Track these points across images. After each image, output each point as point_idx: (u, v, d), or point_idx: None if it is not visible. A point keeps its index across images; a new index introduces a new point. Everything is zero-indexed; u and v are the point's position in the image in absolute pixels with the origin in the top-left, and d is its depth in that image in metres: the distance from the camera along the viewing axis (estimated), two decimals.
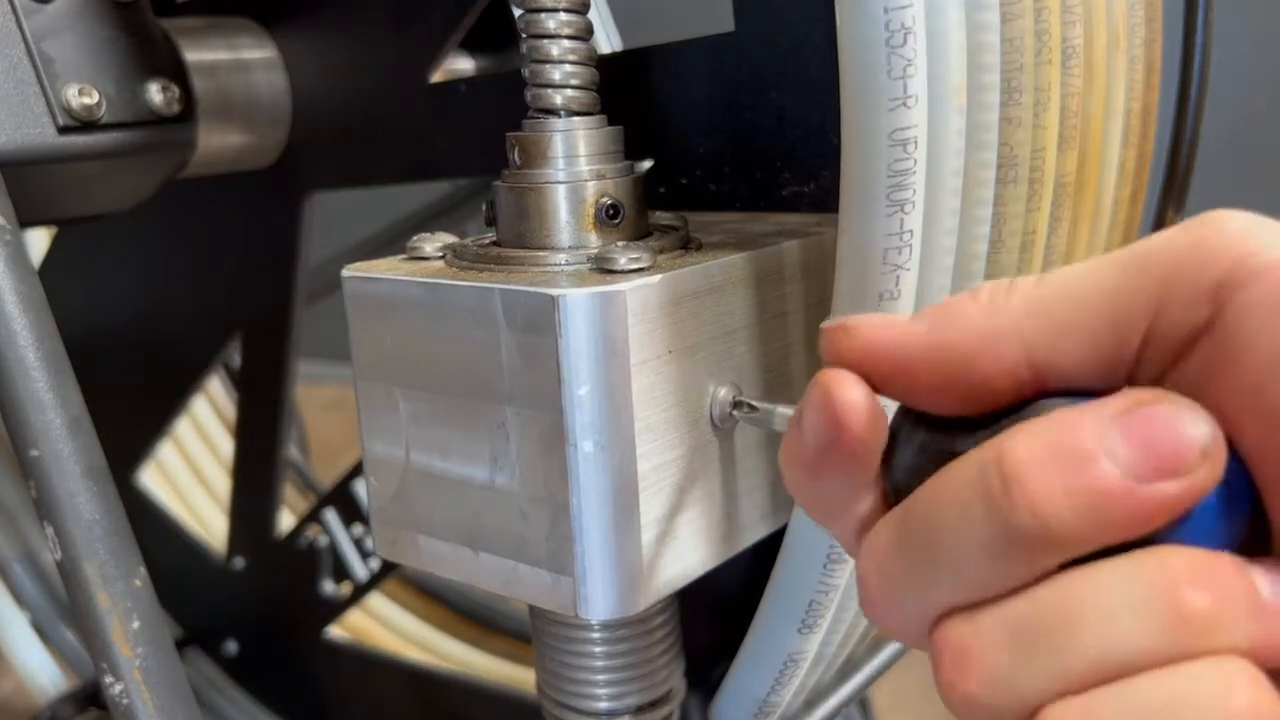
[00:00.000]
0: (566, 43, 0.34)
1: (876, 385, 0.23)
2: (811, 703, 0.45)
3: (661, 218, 0.37)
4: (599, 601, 0.31)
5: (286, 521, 0.67)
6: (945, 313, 0.23)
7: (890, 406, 0.24)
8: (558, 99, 0.34)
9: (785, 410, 0.31)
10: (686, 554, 0.33)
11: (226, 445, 0.88)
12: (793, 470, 0.24)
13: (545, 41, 0.34)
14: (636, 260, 0.31)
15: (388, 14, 0.50)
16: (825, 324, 0.24)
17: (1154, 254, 0.22)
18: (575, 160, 0.34)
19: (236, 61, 0.54)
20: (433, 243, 0.36)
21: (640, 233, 0.35)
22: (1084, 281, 0.22)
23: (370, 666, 0.68)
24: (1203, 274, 0.21)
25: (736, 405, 0.33)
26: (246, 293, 0.62)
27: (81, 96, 0.46)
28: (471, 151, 0.50)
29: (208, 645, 0.76)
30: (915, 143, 0.29)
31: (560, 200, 0.34)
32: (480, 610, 0.86)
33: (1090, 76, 0.37)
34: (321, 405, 1.64)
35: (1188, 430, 0.19)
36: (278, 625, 0.71)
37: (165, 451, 0.84)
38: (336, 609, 0.65)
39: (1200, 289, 0.21)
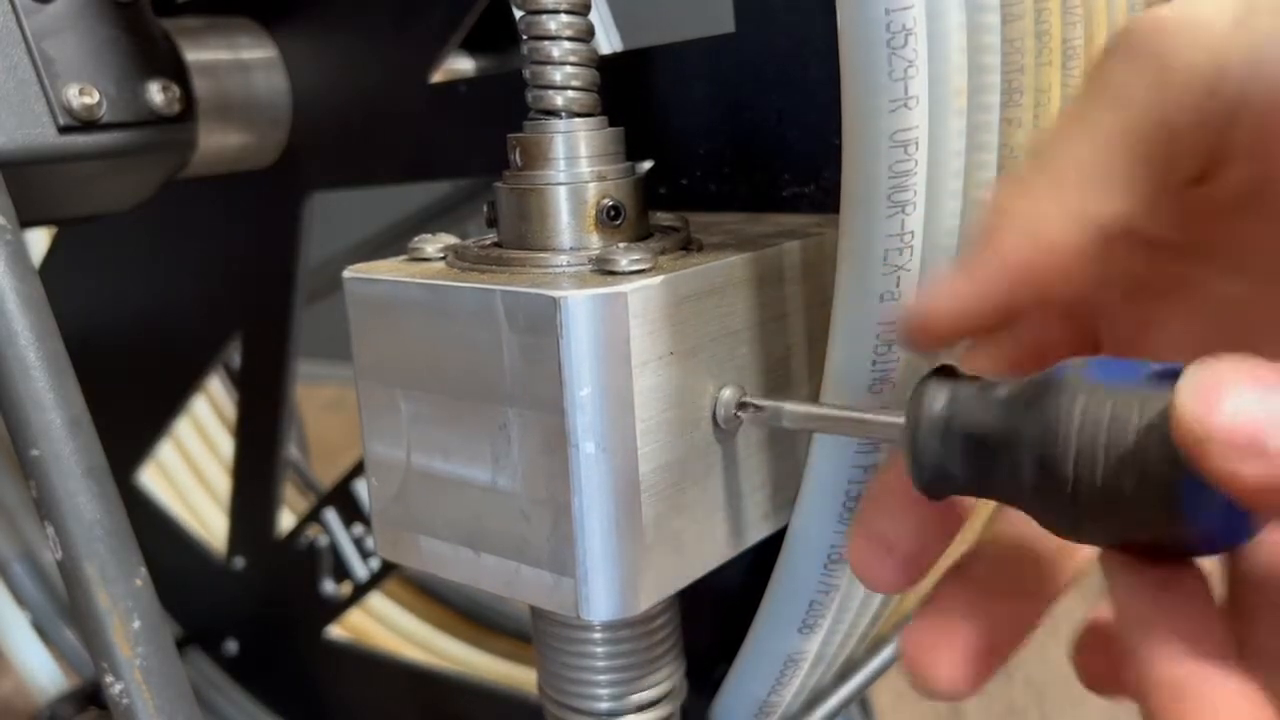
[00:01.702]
0: (567, 44, 0.34)
1: (981, 333, 0.24)
2: (811, 703, 0.45)
3: (662, 218, 0.37)
4: (600, 602, 0.31)
5: (286, 521, 0.67)
6: (989, 236, 0.23)
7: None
8: (559, 100, 0.34)
9: (792, 407, 0.31)
10: (688, 555, 0.33)
11: (226, 445, 0.88)
12: None
13: (546, 43, 0.34)
14: (638, 261, 0.31)
15: (388, 14, 0.50)
16: (903, 323, 0.25)
17: (1122, 90, 0.22)
18: (576, 161, 0.34)
19: (236, 61, 0.54)
20: (434, 244, 0.36)
21: (641, 234, 0.36)
22: (1092, 137, 0.22)
23: (370, 666, 0.68)
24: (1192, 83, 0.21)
25: (741, 406, 0.33)
26: (246, 293, 0.62)
27: (82, 96, 0.46)
28: (471, 151, 0.50)
29: (208, 645, 0.76)
30: (916, 144, 0.29)
31: (561, 201, 0.34)
32: (481, 610, 0.86)
33: None
34: (321, 405, 1.64)
35: None
36: (278, 625, 0.71)
37: (165, 451, 0.84)
38: (336, 609, 0.65)
39: (1197, 98, 0.21)
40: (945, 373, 0.25)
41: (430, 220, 0.86)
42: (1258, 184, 0.22)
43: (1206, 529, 0.21)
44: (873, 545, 0.26)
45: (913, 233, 0.30)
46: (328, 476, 0.77)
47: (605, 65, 0.36)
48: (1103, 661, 0.26)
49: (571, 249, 0.34)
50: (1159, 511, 0.21)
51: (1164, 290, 0.26)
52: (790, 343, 0.36)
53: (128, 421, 0.71)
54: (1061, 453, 0.22)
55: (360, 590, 0.64)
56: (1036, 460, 0.22)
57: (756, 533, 0.36)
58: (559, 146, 0.34)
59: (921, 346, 0.25)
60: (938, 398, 0.25)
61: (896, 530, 0.26)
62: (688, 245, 0.35)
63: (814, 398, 0.36)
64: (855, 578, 0.26)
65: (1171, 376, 0.21)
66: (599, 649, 0.38)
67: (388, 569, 0.63)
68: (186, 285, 0.66)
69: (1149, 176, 0.22)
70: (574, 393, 0.29)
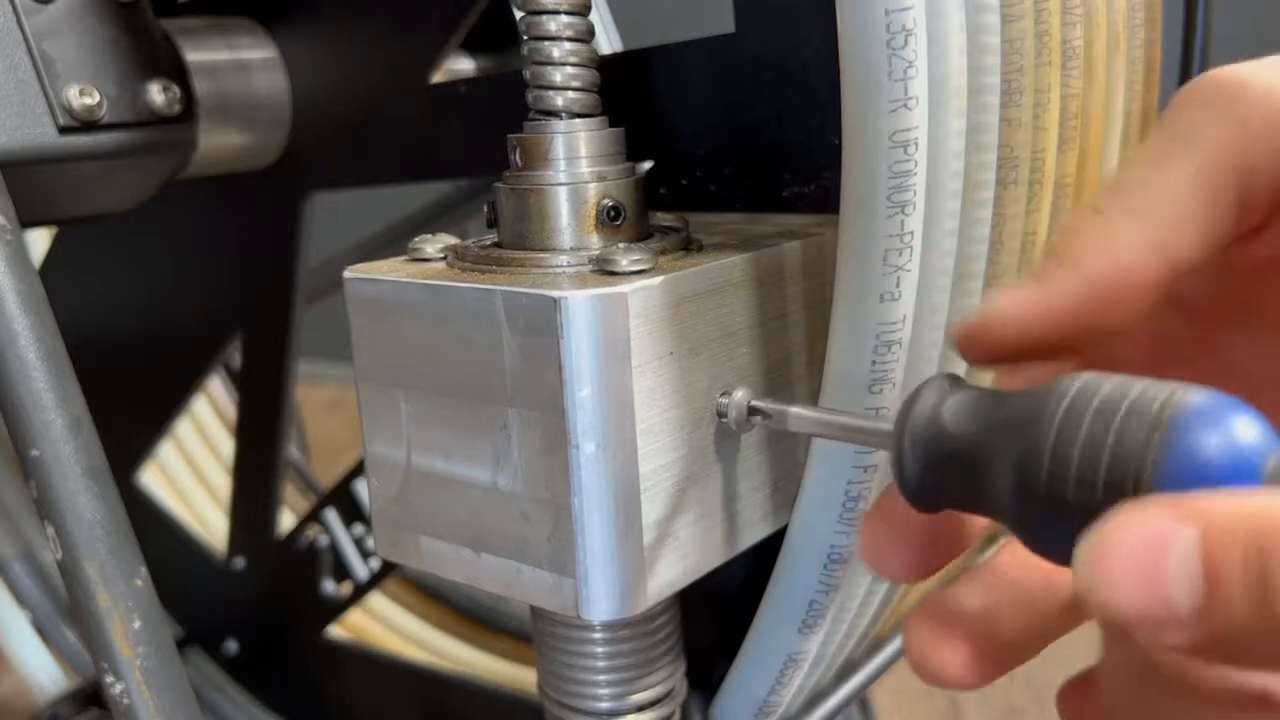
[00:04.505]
0: (568, 45, 0.34)
1: (1037, 353, 0.23)
2: (811, 703, 0.45)
3: (663, 219, 0.37)
4: (601, 602, 0.31)
5: (287, 521, 0.67)
6: (1066, 253, 0.23)
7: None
8: (559, 101, 0.34)
9: (799, 411, 0.31)
10: (688, 555, 0.33)
11: (226, 445, 0.88)
12: None
13: (546, 43, 0.34)
14: (638, 262, 0.31)
15: (388, 14, 0.50)
16: (961, 329, 0.24)
17: (1204, 134, 0.23)
18: (576, 162, 0.34)
19: (236, 61, 0.54)
20: (434, 244, 0.36)
21: (641, 234, 0.36)
22: (1172, 174, 0.23)
23: (371, 666, 0.68)
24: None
25: (753, 411, 0.33)
26: (246, 293, 0.62)
27: (82, 97, 0.46)
28: (471, 152, 0.50)
29: (208, 645, 0.76)
30: (916, 144, 0.29)
31: (562, 202, 0.34)
32: (481, 610, 0.86)
33: (1090, 78, 0.37)
34: (321, 405, 1.64)
35: None
36: (278, 625, 0.71)
37: (165, 451, 0.84)
38: (337, 609, 0.65)
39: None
40: (943, 380, 0.24)
41: (430, 220, 0.86)
42: None
43: None
44: (886, 529, 0.26)
45: (912, 233, 0.30)
46: (328, 476, 0.77)
47: (605, 65, 0.36)
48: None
49: (571, 249, 0.34)
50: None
51: (1186, 355, 0.27)
52: (790, 343, 0.36)
53: (128, 421, 0.71)
54: (1039, 448, 0.21)
55: (360, 590, 0.64)
56: (1014, 461, 0.21)
57: (756, 532, 0.36)
58: (559, 147, 0.34)
59: (979, 356, 0.24)
60: (927, 405, 0.24)
61: (910, 519, 0.26)
62: (688, 245, 0.35)
63: (814, 398, 0.36)
64: (864, 564, 0.26)
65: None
66: (599, 649, 0.38)
67: (388, 569, 0.63)
68: (186, 285, 0.66)
69: (1222, 219, 0.23)
70: (574, 393, 0.30)
